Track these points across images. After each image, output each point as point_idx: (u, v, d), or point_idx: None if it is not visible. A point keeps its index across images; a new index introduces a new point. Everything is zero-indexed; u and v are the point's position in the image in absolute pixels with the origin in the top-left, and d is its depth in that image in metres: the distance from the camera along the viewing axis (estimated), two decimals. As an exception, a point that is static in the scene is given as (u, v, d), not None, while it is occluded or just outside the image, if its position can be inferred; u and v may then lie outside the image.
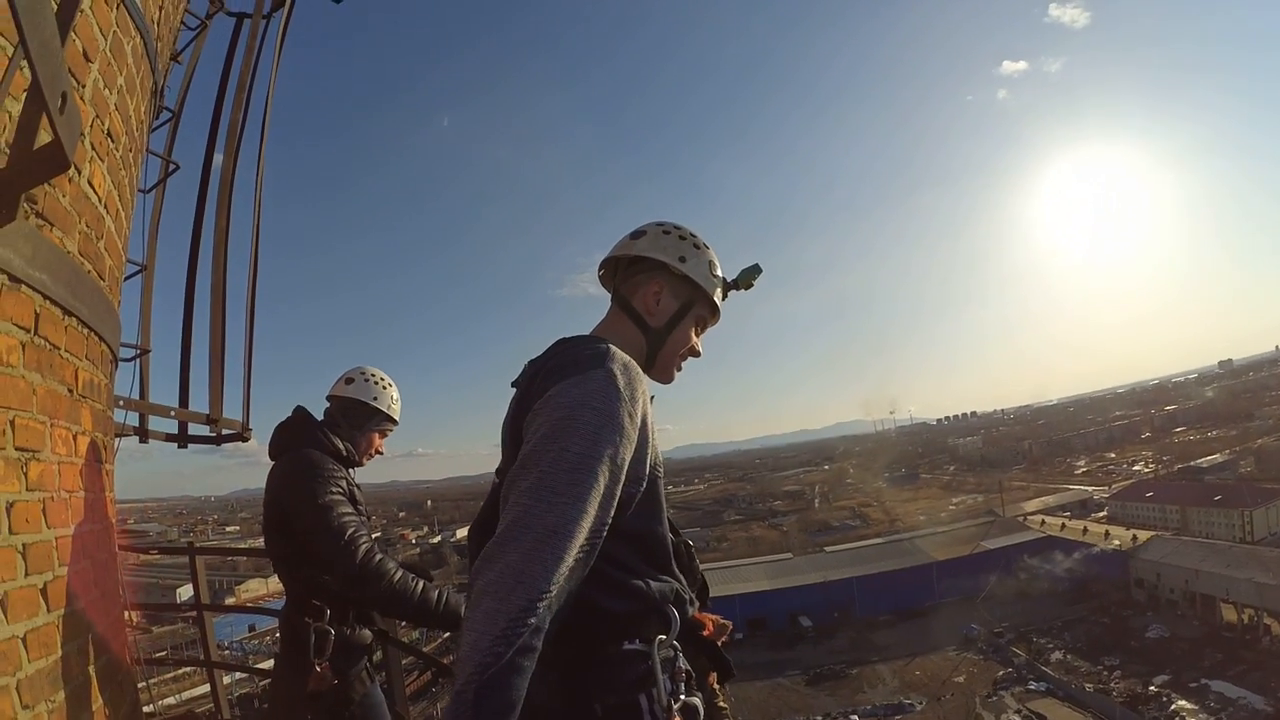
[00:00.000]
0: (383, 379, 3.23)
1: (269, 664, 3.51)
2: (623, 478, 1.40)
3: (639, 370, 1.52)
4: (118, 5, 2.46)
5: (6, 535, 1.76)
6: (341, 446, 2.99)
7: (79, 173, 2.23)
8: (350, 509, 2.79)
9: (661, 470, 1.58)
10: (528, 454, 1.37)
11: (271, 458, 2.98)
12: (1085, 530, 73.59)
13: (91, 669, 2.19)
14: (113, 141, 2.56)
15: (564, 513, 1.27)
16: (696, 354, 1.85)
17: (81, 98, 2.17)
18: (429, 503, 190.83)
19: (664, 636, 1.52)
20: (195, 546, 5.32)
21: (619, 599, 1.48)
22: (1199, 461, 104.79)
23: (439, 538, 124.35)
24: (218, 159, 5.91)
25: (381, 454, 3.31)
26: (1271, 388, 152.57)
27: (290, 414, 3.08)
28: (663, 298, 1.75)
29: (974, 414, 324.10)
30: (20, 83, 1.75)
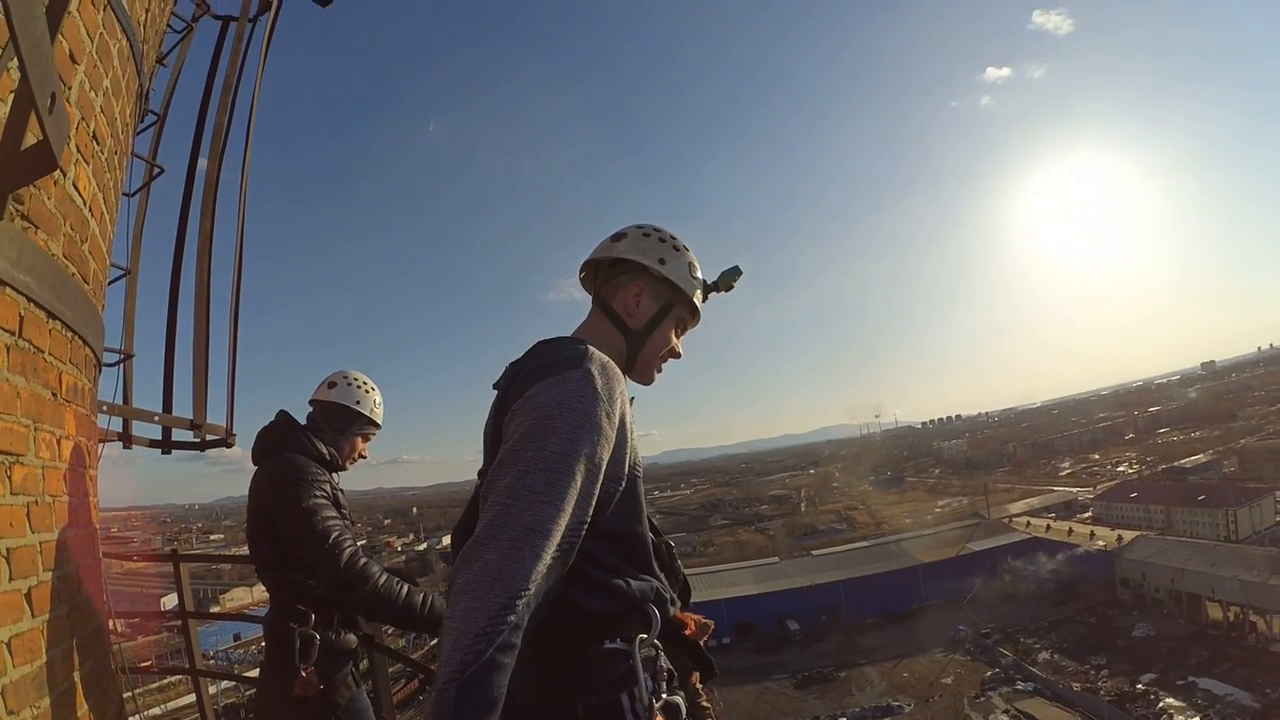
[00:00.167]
0: (365, 383, 3.23)
1: (255, 673, 3.49)
2: (601, 477, 1.41)
3: (617, 371, 1.53)
4: (104, 7, 2.46)
5: (-10, 539, 1.75)
6: (325, 451, 2.99)
7: (64, 175, 2.22)
8: (334, 513, 2.78)
9: (641, 470, 1.59)
10: (506, 454, 1.38)
11: (255, 462, 2.97)
12: (1070, 531, 74.06)
13: (76, 675, 2.18)
14: (98, 144, 2.55)
15: (542, 511, 1.28)
16: (676, 355, 1.86)
17: (68, 100, 2.17)
18: (415, 510, 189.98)
19: (645, 635, 1.53)
20: (179, 553, 5.29)
21: (600, 598, 1.48)
22: (1183, 462, 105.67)
23: (425, 545, 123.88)
24: (202, 163, 5.89)
25: (365, 458, 3.30)
26: (1254, 388, 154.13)
27: (273, 418, 3.08)
28: (642, 300, 1.77)
29: (959, 417, 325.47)
30: (7, 84, 1.75)
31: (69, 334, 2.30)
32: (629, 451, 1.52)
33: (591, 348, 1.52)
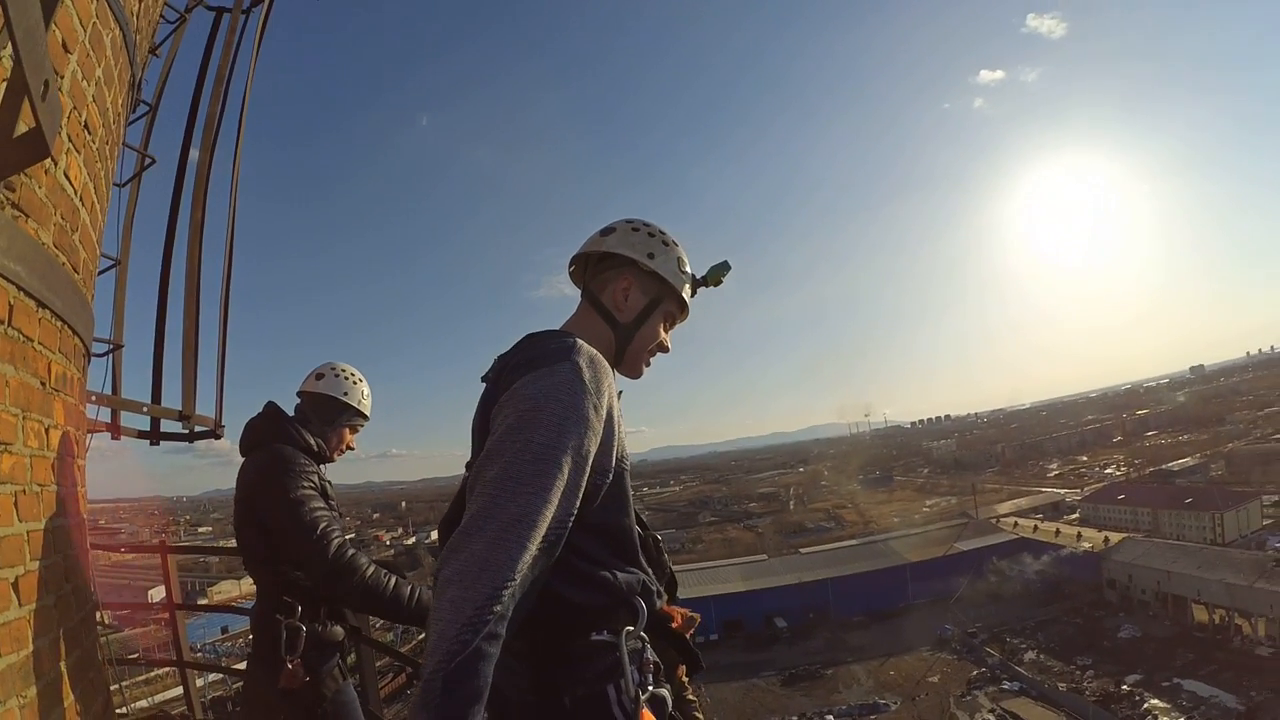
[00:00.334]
0: (353, 374, 3.23)
1: (243, 665, 3.49)
2: (588, 469, 1.42)
3: (605, 364, 1.54)
4: (97, -3, 2.45)
5: (-23, 527, 1.75)
6: (313, 442, 2.98)
7: (55, 164, 2.21)
8: (322, 504, 2.78)
9: (628, 464, 1.60)
10: (493, 446, 1.39)
11: (243, 453, 2.97)
12: (1058, 532, 74.51)
13: (63, 665, 2.18)
14: (89, 134, 2.54)
15: (528, 502, 1.29)
16: (665, 350, 1.87)
17: (60, 89, 2.17)
18: (403, 504, 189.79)
19: (632, 628, 1.54)
20: (167, 545, 5.28)
21: (586, 590, 1.49)
22: (1170, 465, 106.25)
23: (413, 539, 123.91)
24: (194, 154, 5.86)
25: (353, 449, 3.30)
26: (1242, 393, 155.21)
27: (261, 410, 3.08)
28: (631, 294, 1.77)
29: (948, 417, 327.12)
30: (0, 72, 1.75)
31: (58, 323, 2.29)
32: (616, 445, 1.52)
33: (580, 341, 1.52)
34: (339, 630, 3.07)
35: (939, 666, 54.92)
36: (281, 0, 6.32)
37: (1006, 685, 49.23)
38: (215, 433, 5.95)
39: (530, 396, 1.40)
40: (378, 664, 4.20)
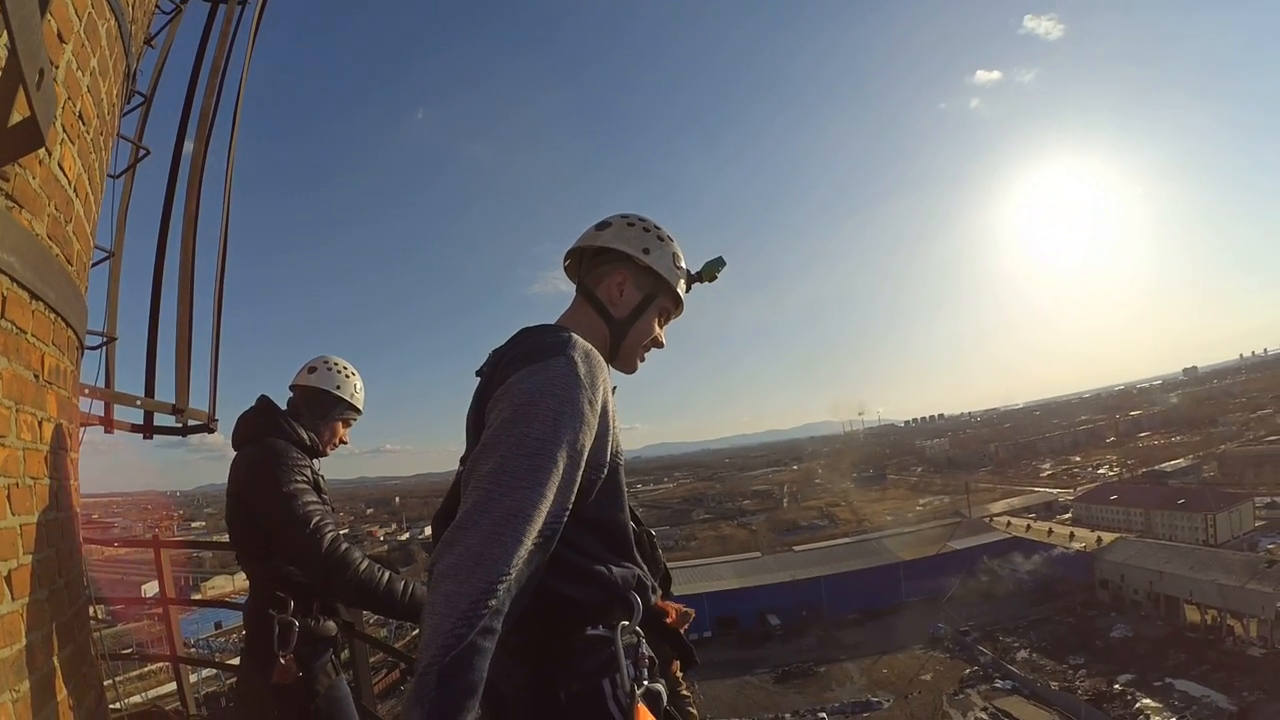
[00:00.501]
0: (345, 367, 3.22)
1: (236, 661, 3.48)
2: (583, 464, 1.42)
3: (600, 359, 1.53)
4: (92, -13, 2.44)
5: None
6: (306, 436, 2.98)
7: (49, 155, 2.20)
8: (315, 498, 2.78)
9: (623, 459, 1.59)
10: (488, 440, 1.38)
11: (235, 447, 2.96)
12: (1050, 532, 74.46)
13: (56, 659, 2.17)
14: (84, 124, 2.53)
15: (523, 496, 1.28)
16: (660, 345, 1.87)
17: (55, 79, 2.15)
18: (397, 500, 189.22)
19: (627, 623, 1.53)
20: (160, 540, 5.26)
21: (581, 585, 1.49)
22: (1163, 466, 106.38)
23: (407, 535, 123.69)
24: (188, 146, 5.85)
25: (346, 443, 3.30)
26: (1235, 395, 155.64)
27: (254, 403, 3.07)
28: (626, 289, 1.77)
29: (941, 416, 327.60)
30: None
31: (52, 315, 2.28)
32: (611, 439, 1.52)
33: (575, 335, 1.52)
34: (332, 626, 3.06)
35: (932, 665, 55.02)
36: (278, -8, 6.29)
37: (999, 684, 49.32)
38: (209, 427, 5.94)
39: (525, 391, 1.40)
40: (371, 660, 4.19)
